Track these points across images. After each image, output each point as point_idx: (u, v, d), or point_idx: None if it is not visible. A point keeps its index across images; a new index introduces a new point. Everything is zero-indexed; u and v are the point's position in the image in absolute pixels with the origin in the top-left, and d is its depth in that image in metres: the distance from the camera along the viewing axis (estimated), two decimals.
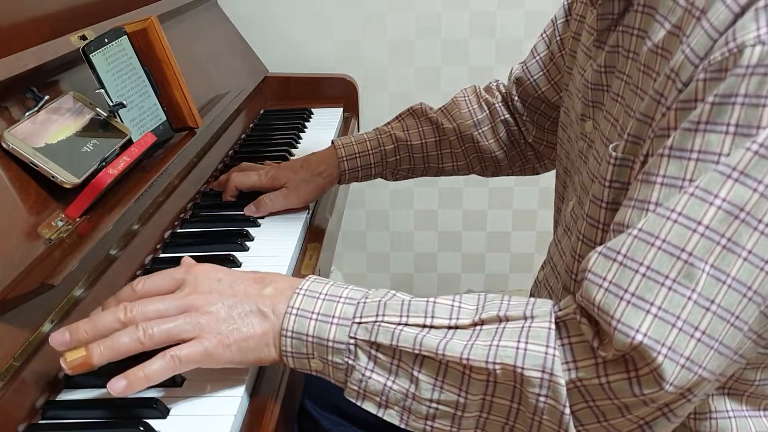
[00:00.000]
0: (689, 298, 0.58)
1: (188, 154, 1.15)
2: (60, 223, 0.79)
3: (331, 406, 1.06)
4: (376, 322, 0.66)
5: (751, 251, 0.57)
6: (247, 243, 1.00)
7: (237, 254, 0.96)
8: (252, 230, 1.04)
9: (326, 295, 0.69)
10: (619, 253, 0.61)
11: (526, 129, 1.12)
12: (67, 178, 0.80)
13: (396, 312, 0.66)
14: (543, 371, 0.61)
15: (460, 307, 0.67)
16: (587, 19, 0.86)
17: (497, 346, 0.63)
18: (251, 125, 1.52)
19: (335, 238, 1.36)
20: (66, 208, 0.81)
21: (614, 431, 0.63)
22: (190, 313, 0.67)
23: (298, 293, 0.69)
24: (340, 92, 1.72)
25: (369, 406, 0.68)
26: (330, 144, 1.16)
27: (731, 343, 0.59)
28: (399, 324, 0.66)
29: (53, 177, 0.79)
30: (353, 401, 0.68)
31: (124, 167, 0.87)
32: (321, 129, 1.54)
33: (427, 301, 0.67)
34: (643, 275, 0.59)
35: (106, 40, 0.95)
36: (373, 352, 0.66)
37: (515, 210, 1.95)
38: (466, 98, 1.15)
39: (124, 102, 0.95)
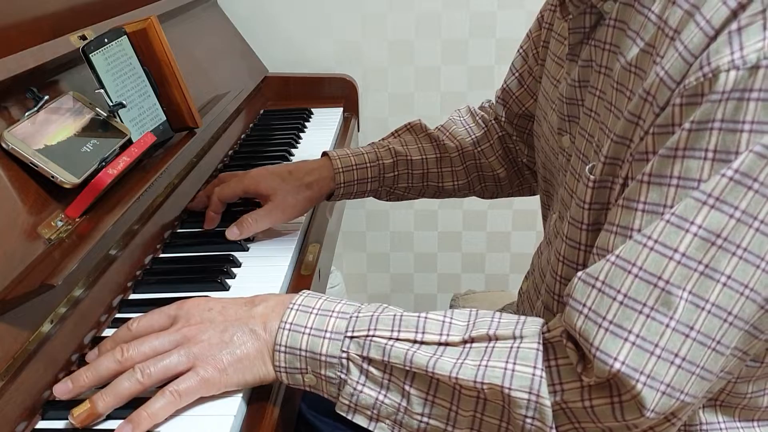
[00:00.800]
0: (667, 326, 0.58)
1: (188, 154, 1.15)
2: (60, 224, 0.79)
3: (328, 411, 1.05)
4: (367, 336, 0.66)
5: (730, 276, 0.57)
6: (247, 243, 1.00)
7: (237, 254, 0.96)
8: None
9: (319, 309, 0.69)
10: (597, 279, 0.61)
11: (519, 149, 1.11)
12: (66, 178, 0.80)
13: (387, 327, 0.67)
14: (530, 392, 0.62)
15: (450, 323, 0.67)
16: (556, 27, 0.86)
17: (486, 366, 0.63)
18: (251, 125, 1.52)
19: (335, 238, 1.36)
20: (66, 208, 0.81)
21: None
22: (184, 345, 0.68)
23: (291, 308, 0.69)
24: (340, 92, 1.72)
25: (360, 420, 0.68)
26: (322, 155, 1.08)
27: (713, 367, 0.59)
28: (390, 339, 0.66)
29: (53, 177, 0.79)
30: (344, 415, 0.69)
31: (123, 167, 0.87)
32: (321, 129, 1.54)
33: (419, 317, 0.68)
34: (621, 303, 0.59)
35: (106, 40, 0.95)
36: (365, 366, 0.67)
37: (515, 210, 1.95)
38: (461, 117, 1.13)
39: (124, 102, 0.95)
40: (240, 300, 0.73)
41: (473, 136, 1.10)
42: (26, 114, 0.82)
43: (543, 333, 0.65)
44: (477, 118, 1.12)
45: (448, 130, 1.11)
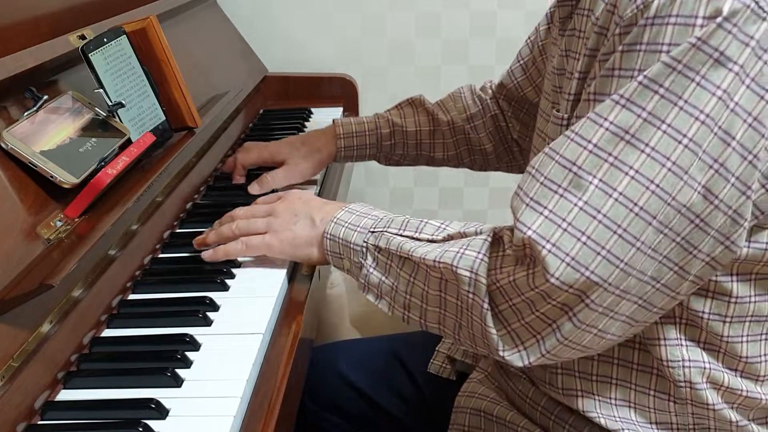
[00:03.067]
0: (575, 205, 0.66)
1: (187, 153, 1.14)
2: (59, 224, 0.79)
3: (330, 406, 1.06)
4: (383, 232, 0.82)
5: (638, 171, 0.65)
6: None
7: None
8: None
9: (360, 212, 0.87)
10: (533, 167, 0.71)
11: (512, 125, 1.17)
12: (66, 178, 0.80)
13: (397, 226, 0.83)
14: (471, 271, 0.72)
15: (444, 228, 0.81)
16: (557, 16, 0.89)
17: (445, 250, 0.75)
18: (251, 125, 1.52)
19: None
20: (65, 208, 0.81)
21: (533, 331, 0.70)
22: (269, 217, 0.92)
23: (343, 209, 0.88)
24: (340, 92, 1.72)
25: (370, 297, 0.84)
26: (331, 122, 1.22)
27: (621, 254, 0.65)
28: (395, 234, 0.81)
29: (52, 177, 0.79)
30: (361, 292, 0.84)
31: (123, 167, 0.87)
32: (316, 128, 1.53)
33: (421, 221, 0.83)
34: (541, 184, 0.69)
35: (105, 40, 0.95)
36: (376, 254, 0.82)
37: None
38: (462, 94, 1.21)
39: (123, 102, 0.95)
40: (323, 200, 0.94)
41: (467, 112, 1.18)
42: (25, 114, 0.82)
43: (494, 230, 0.76)
44: (475, 96, 1.20)
45: (445, 105, 1.21)
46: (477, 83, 1.22)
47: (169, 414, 0.67)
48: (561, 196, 0.67)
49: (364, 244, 0.83)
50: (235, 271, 0.93)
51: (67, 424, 0.67)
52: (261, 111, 1.62)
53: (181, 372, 0.73)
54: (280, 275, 0.92)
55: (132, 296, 0.88)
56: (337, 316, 1.47)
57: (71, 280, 0.77)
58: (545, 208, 0.68)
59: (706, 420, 0.76)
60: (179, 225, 1.06)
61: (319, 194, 1.22)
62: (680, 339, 0.75)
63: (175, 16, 1.34)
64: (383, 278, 0.82)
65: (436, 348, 1.02)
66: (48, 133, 0.82)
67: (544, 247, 0.66)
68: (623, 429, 0.78)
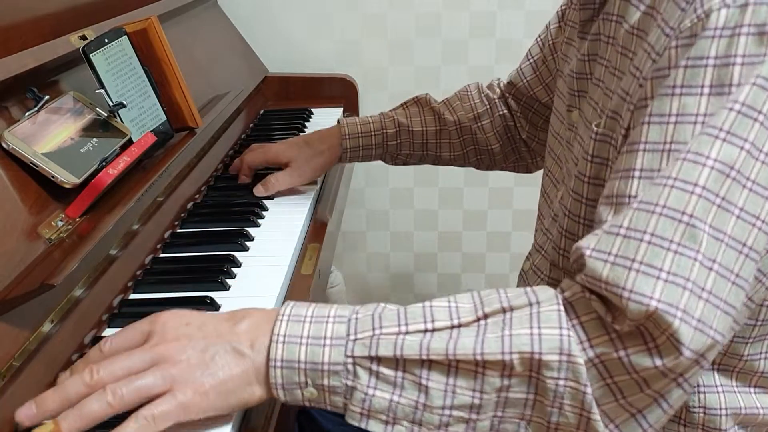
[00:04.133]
0: (695, 260, 0.58)
1: (188, 154, 1.15)
2: (60, 223, 0.79)
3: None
4: (373, 335, 0.63)
5: (743, 209, 0.59)
6: (247, 243, 1.00)
7: (237, 254, 0.96)
8: (252, 230, 1.04)
9: (312, 317, 0.65)
10: (621, 227, 0.61)
11: (521, 125, 1.16)
12: (67, 178, 0.80)
13: (393, 322, 0.63)
14: (561, 353, 0.60)
15: (457, 306, 0.65)
16: (572, 16, 0.89)
17: (510, 335, 0.61)
18: (251, 125, 1.52)
19: (335, 238, 1.37)
20: (66, 208, 0.81)
21: (630, 408, 0.61)
22: (160, 366, 0.62)
23: (281, 320, 0.64)
24: (340, 92, 1.72)
25: (375, 426, 0.64)
26: (336, 123, 1.21)
27: (735, 302, 0.60)
28: (399, 333, 0.63)
29: (53, 177, 0.79)
30: (356, 424, 0.64)
31: (124, 167, 0.87)
32: (321, 129, 1.53)
33: (423, 306, 0.65)
34: (649, 243, 0.59)
35: (106, 40, 0.95)
36: (374, 367, 0.62)
37: (515, 210, 1.95)
38: (469, 93, 1.19)
39: (124, 102, 0.95)
40: (220, 315, 0.68)
41: (475, 112, 1.17)
42: (26, 114, 0.82)
43: (559, 294, 0.64)
44: (482, 95, 1.18)
45: (451, 104, 1.19)
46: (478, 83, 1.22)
47: None
48: (676, 252, 0.59)
49: (349, 360, 0.62)
50: (235, 270, 0.93)
51: None
52: (261, 111, 1.63)
53: None
54: (281, 274, 0.92)
55: (133, 296, 0.89)
56: None
57: (72, 279, 0.77)
58: (661, 270, 0.58)
59: None
60: (180, 225, 1.06)
61: (319, 194, 1.21)
62: None
63: (176, 16, 1.35)
64: (396, 398, 0.63)
65: None
66: (49, 134, 0.82)
67: (675, 316, 0.57)
68: None
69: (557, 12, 1.04)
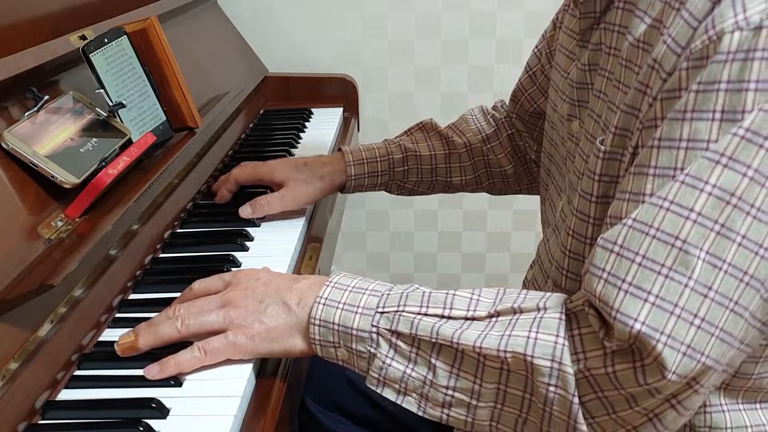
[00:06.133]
0: (686, 286, 0.58)
1: (188, 154, 1.15)
2: (60, 224, 0.79)
3: (332, 405, 1.06)
4: (397, 312, 0.69)
5: (745, 236, 0.58)
6: (247, 243, 1.00)
7: (236, 254, 0.96)
8: (252, 230, 1.04)
9: (353, 287, 0.72)
10: (615, 243, 0.61)
11: (528, 145, 1.13)
12: (66, 178, 0.80)
13: (417, 303, 0.69)
14: (552, 360, 0.63)
15: (478, 299, 0.69)
16: (567, 22, 0.88)
17: (509, 335, 0.65)
18: (251, 125, 1.52)
19: (335, 238, 1.36)
20: (66, 208, 0.81)
21: (624, 424, 0.63)
22: (224, 308, 0.73)
23: (328, 285, 0.73)
24: (340, 92, 1.72)
25: (388, 393, 0.70)
26: (338, 151, 1.14)
27: (733, 329, 0.59)
28: (419, 314, 0.68)
29: (53, 177, 0.79)
30: (374, 389, 0.71)
31: (123, 167, 0.87)
32: (321, 129, 1.54)
33: (447, 294, 0.70)
34: (639, 264, 0.60)
35: (106, 40, 0.95)
36: (394, 340, 0.69)
37: (515, 210, 1.95)
38: (473, 116, 1.16)
39: (124, 102, 0.95)
40: (285, 275, 0.78)
41: (483, 134, 1.13)
42: (26, 114, 0.82)
43: (566, 304, 0.66)
44: (488, 116, 1.15)
45: (458, 127, 1.15)
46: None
47: (170, 413, 0.68)
48: (666, 277, 0.59)
49: (374, 329, 0.69)
50: (235, 270, 0.93)
51: (68, 423, 0.67)
52: (261, 111, 1.63)
53: None
54: (281, 272, 0.92)
55: (133, 296, 0.89)
56: None
57: (72, 279, 0.77)
58: (649, 293, 0.59)
59: None
60: (180, 225, 1.06)
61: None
62: None
63: (176, 16, 1.35)
64: (409, 371, 0.69)
65: None
66: (49, 134, 0.82)
67: (658, 341, 0.58)
68: None
69: (552, 20, 1.02)
